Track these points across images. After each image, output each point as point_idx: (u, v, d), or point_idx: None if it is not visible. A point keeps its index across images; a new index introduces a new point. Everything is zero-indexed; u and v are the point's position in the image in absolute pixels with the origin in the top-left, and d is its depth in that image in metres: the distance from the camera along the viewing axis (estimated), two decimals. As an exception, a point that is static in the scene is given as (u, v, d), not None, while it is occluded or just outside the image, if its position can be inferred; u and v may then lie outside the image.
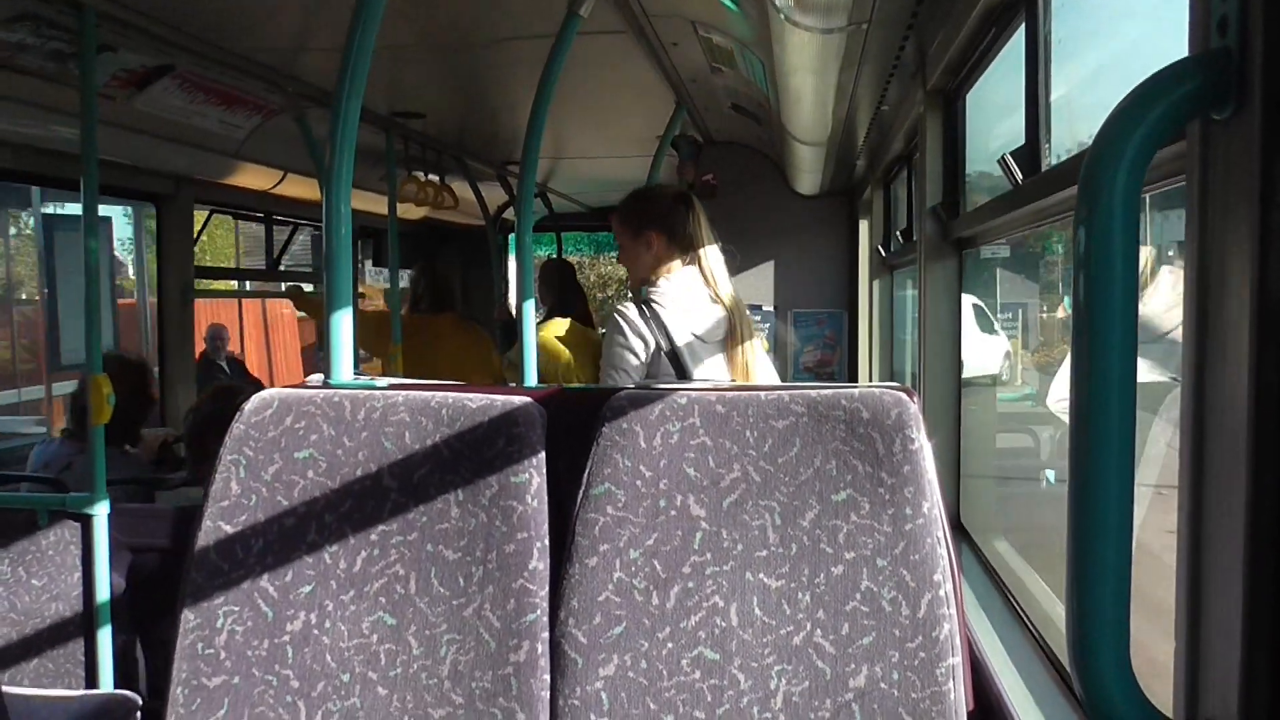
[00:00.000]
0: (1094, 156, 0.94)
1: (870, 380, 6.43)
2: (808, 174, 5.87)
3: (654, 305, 3.13)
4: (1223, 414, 0.92)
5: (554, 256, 9.96)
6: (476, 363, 5.59)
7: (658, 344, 3.08)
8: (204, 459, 3.55)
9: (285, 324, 14.70)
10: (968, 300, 3.29)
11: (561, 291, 7.05)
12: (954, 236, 3.13)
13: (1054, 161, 2.23)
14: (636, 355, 3.10)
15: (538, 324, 3.58)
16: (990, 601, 2.55)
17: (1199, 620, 0.97)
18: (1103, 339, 0.94)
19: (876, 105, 3.99)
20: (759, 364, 3.28)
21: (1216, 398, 0.93)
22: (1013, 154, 2.31)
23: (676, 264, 3.24)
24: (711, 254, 3.26)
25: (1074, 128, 2.33)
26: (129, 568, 3.34)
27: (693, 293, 3.21)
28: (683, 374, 3.09)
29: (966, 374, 3.23)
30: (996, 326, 7.30)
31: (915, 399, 1.76)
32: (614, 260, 16.29)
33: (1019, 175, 2.30)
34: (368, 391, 1.90)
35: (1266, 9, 0.84)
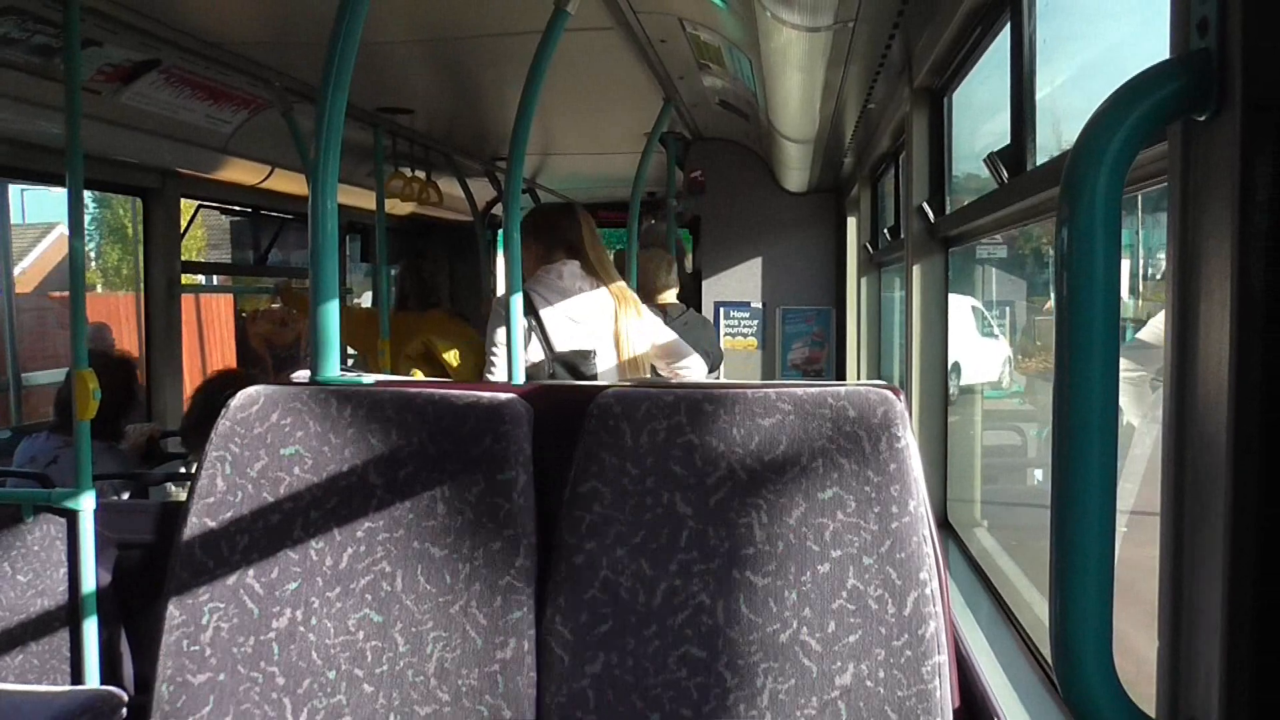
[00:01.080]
0: (1076, 157, 0.94)
1: (858, 377, 6.44)
2: (795, 171, 5.88)
3: (530, 294, 3.78)
4: (1204, 413, 0.92)
5: None
6: (462, 358, 5.57)
7: (527, 322, 3.73)
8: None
9: (221, 322, 13.69)
10: (966, 302, 3.32)
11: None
12: (940, 234, 3.14)
13: (1039, 161, 2.23)
14: (530, 334, 3.80)
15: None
16: (976, 599, 2.56)
17: (1180, 619, 0.98)
18: (1084, 337, 0.95)
19: (863, 103, 3.99)
20: (637, 335, 3.96)
21: (1198, 397, 0.94)
22: (998, 153, 2.32)
23: (559, 262, 3.89)
24: (595, 252, 3.94)
25: (1058, 128, 2.34)
26: (114, 563, 3.34)
27: (570, 281, 3.87)
28: (549, 345, 3.82)
29: (968, 380, 3.27)
30: (996, 330, 7.30)
31: (901, 397, 1.77)
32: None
33: (1004, 175, 2.30)
34: (354, 388, 1.89)
35: (1246, 10, 0.84)
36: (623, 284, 4.02)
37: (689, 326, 5.00)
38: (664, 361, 4.18)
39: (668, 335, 4.20)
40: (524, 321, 3.65)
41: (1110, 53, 2.59)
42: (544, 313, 3.80)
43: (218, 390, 3.88)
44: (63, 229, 15.74)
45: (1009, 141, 2.32)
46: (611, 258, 4.09)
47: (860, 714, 1.63)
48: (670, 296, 5.33)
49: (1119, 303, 0.96)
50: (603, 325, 3.90)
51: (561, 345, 3.82)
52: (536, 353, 3.78)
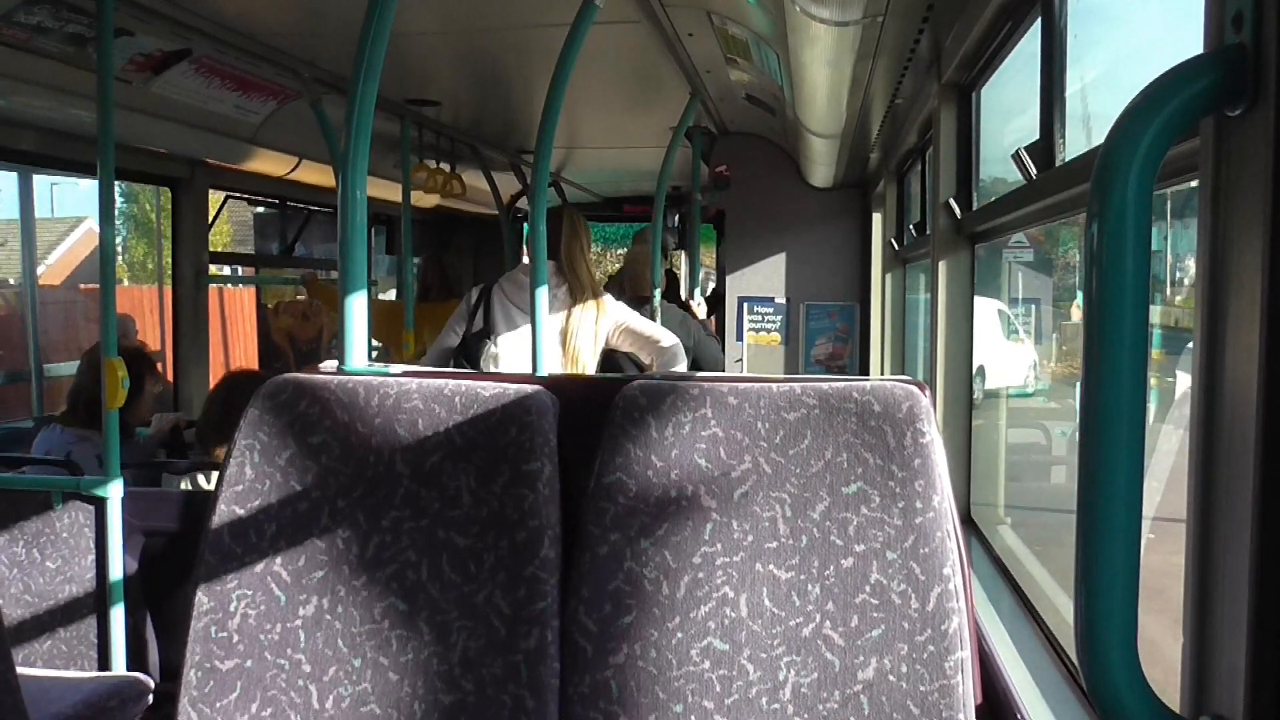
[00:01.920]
0: (1107, 152, 0.94)
1: (882, 374, 6.42)
2: (821, 166, 5.87)
3: (497, 286, 4.25)
4: (1233, 410, 0.92)
5: None
6: None
7: (473, 309, 4.22)
8: (222, 444, 3.61)
9: (244, 315, 12.75)
10: (992, 305, 3.32)
11: None
12: (967, 231, 3.13)
13: (1068, 157, 2.22)
14: (461, 318, 4.29)
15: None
16: (999, 596, 2.55)
17: (1206, 616, 0.98)
18: (1114, 334, 0.94)
19: (891, 98, 3.98)
20: (584, 335, 4.16)
21: (1227, 394, 0.94)
22: (1027, 149, 2.31)
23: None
24: (568, 253, 4.17)
25: (1088, 125, 2.33)
26: (141, 551, 3.37)
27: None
28: (491, 335, 4.26)
29: (993, 384, 3.27)
30: (1022, 333, 7.26)
31: (927, 393, 1.77)
32: (619, 256, 16.29)
33: (1033, 170, 2.29)
34: (381, 378, 1.91)
35: None
36: (591, 284, 4.24)
37: (665, 319, 5.19)
38: (643, 349, 4.40)
39: (645, 325, 4.40)
40: (471, 303, 4.19)
41: (1142, 50, 2.58)
42: (496, 305, 4.21)
43: (234, 390, 3.90)
44: (90, 223, 15.84)
45: (1038, 136, 2.31)
46: (588, 260, 4.31)
47: (883, 708, 1.63)
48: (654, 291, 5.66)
49: (1149, 299, 0.95)
50: (554, 322, 4.11)
51: (507, 337, 4.22)
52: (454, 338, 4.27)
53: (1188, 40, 1.04)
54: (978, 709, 1.66)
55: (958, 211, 3.16)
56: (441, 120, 6.09)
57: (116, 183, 3.44)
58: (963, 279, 3.18)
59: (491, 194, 7.54)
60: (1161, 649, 1.87)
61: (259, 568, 1.80)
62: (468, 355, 4.22)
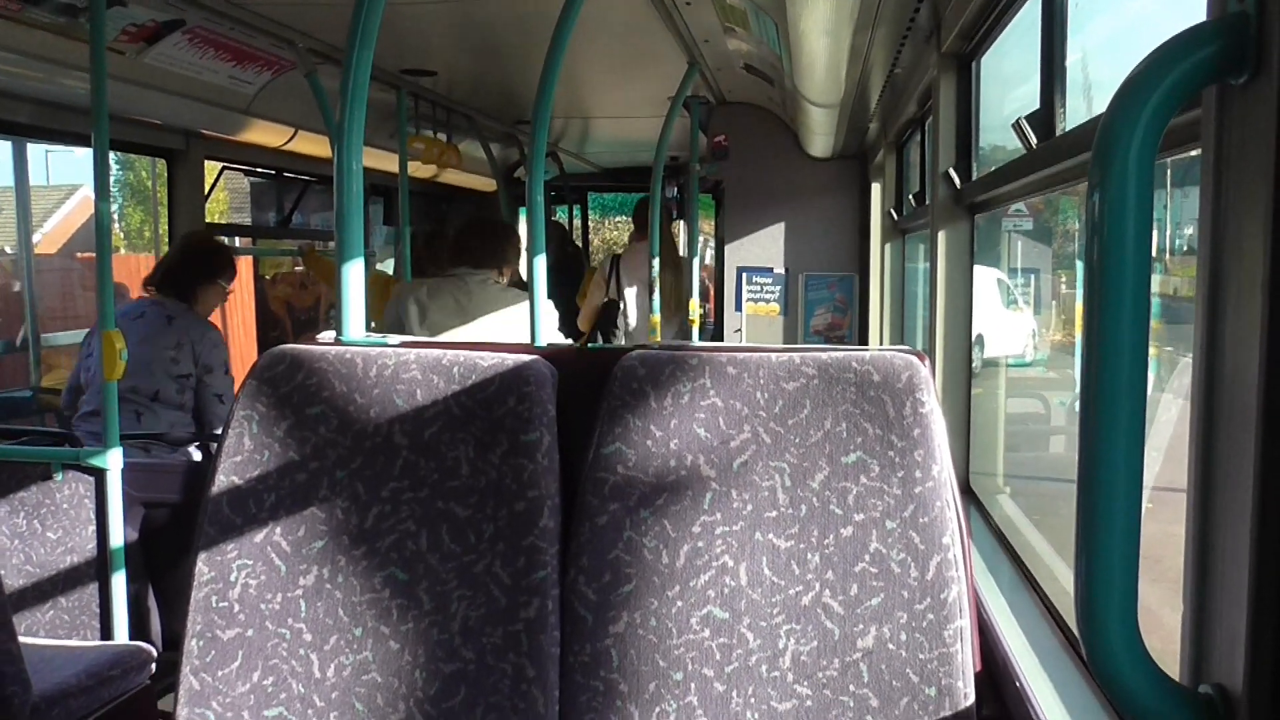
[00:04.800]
0: (1109, 121, 0.94)
1: (881, 344, 6.42)
2: (820, 136, 5.85)
3: (619, 257, 5.34)
4: (1234, 380, 0.92)
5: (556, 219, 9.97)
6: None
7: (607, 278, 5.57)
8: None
9: (241, 284, 13.07)
10: (991, 274, 3.31)
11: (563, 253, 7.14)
12: (967, 201, 3.12)
13: (1068, 126, 2.21)
14: (600, 285, 5.81)
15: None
16: (998, 565, 2.56)
17: (1206, 586, 0.98)
18: (1115, 304, 0.94)
19: (890, 68, 3.96)
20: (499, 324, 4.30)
21: (1228, 363, 0.94)
22: (1027, 118, 2.30)
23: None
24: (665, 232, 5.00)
25: (1089, 93, 2.32)
26: (141, 521, 3.38)
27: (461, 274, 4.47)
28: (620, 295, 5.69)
29: (992, 353, 3.26)
30: (1021, 302, 7.25)
31: (926, 362, 1.77)
32: (617, 224, 16.30)
33: (1033, 139, 2.28)
34: (379, 349, 1.90)
35: None
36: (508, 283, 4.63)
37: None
38: None
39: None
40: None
41: (1143, 18, 2.56)
42: (623, 274, 5.94)
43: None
44: (86, 190, 15.78)
45: (1038, 106, 2.30)
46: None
47: (882, 675, 1.64)
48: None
49: (1150, 269, 0.95)
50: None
51: (629, 301, 5.85)
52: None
53: (1190, 7, 1.04)
54: (976, 676, 1.66)
55: (957, 181, 3.15)
56: (438, 90, 6.06)
57: (111, 152, 3.43)
58: (962, 249, 3.18)
59: (489, 165, 7.51)
60: (1160, 617, 1.88)
61: (259, 538, 1.80)
62: (606, 316, 5.66)
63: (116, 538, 3.23)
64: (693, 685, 1.68)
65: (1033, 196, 2.85)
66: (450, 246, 4.66)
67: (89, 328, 4.26)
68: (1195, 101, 1.00)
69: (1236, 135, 0.92)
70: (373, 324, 6.09)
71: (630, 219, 7.20)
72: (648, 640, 1.70)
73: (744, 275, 6.87)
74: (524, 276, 4.44)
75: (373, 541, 1.79)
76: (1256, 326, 0.87)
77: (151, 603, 3.35)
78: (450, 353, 1.87)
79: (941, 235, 3.19)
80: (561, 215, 10.34)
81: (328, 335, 2.15)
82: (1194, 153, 1.15)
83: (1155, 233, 0.95)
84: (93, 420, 3.82)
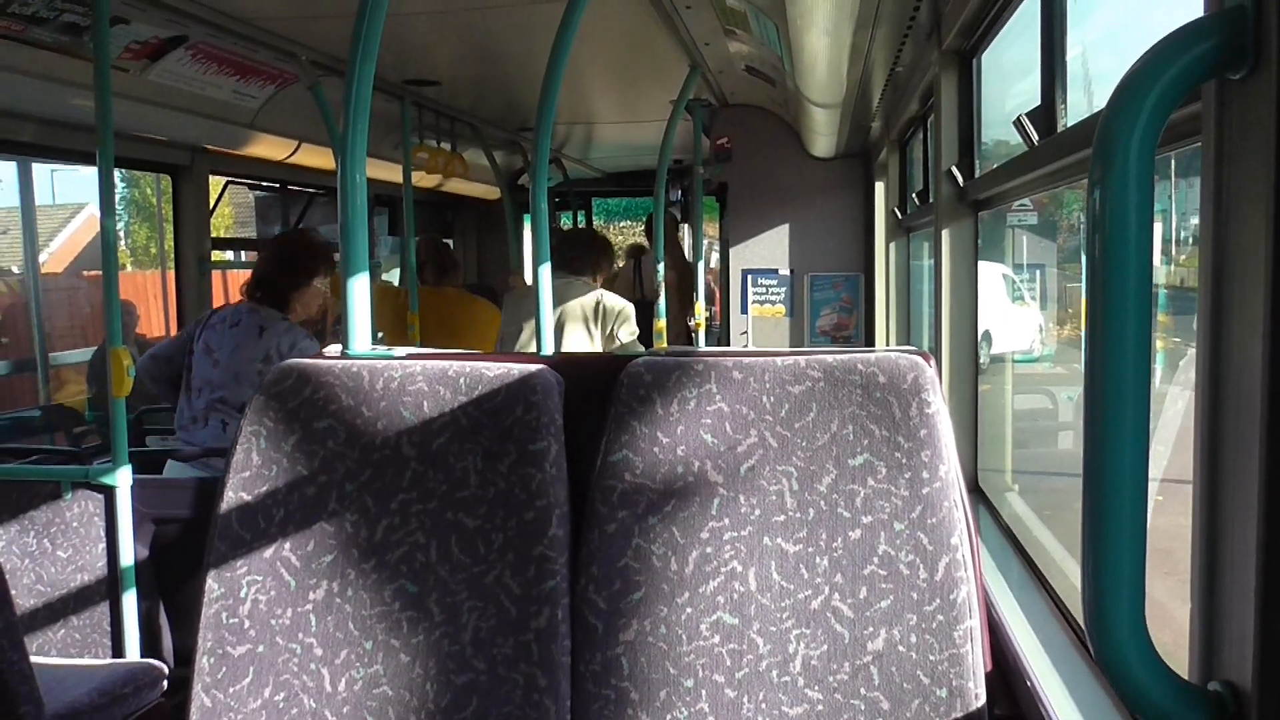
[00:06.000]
0: (1109, 116, 0.94)
1: (887, 344, 6.41)
2: (823, 136, 5.84)
3: None
4: (1238, 377, 0.92)
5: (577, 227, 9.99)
6: (480, 336, 5.51)
7: None
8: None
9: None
10: (997, 269, 3.30)
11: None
12: (970, 198, 3.12)
13: (1070, 122, 2.21)
14: None
15: None
16: (1007, 564, 2.56)
17: (1214, 583, 0.98)
18: (1118, 298, 0.94)
19: (891, 66, 3.96)
20: None
21: (1232, 361, 0.93)
22: (1028, 115, 2.30)
23: None
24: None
25: (1090, 87, 2.31)
26: (151, 538, 3.38)
27: None
28: None
29: (999, 349, 3.25)
30: (1027, 297, 7.25)
31: (932, 362, 1.76)
32: (623, 229, 16.33)
33: (1034, 136, 2.28)
34: (385, 362, 1.90)
35: None
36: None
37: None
38: None
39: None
40: None
41: (1142, 12, 2.56)
42: None
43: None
44: (92, 209, 15.82)
45: (1039, 102, 2.30)
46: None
47: (893, 678, 1.64)
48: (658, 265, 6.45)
49: (1152, 263, 0.95)
50: None
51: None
52: None
53: (1188, 2, 1.03)
54: (987, 677, 1.66)
55: (960, 179, 3.14)
56: (441, 100, 6.07)
57: (117, 169, 3.44)
58: (966, 247, 3.17)
59: (493, 172, 7.52)
60: (1170, 611, 1.87)
61: (268, 553, 1.80)
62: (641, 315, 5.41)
63: (127, 555, 3.23)
64: (704, 692, 1.68)
65: (1036, 193, 2.85)
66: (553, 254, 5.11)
67: (156, 337, 4.22)
68: (1195, 96, 1.00)
69: (1237, 130, 0.92)
70: (379, 334, 6.11)
71: (635, 223, 7.26)
72: (658, 648, 1.70)
73: (749, 277, 6.87)
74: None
75: (382, 554, 1.79)
76: (1259, 321, 0.86)
77: (163, 619, 3.35)
78: (456, 364, 1.87)
79: (945, 233, 3.18)
80: (566, 221, 10.35)
81: (334, 349, 2.15)
82: (1196, 145, 1.15)
83: (1161, 224, 0.95)
84: (192, 429, 3.80)
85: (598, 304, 5.14)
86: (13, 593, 2.97)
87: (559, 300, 4.94)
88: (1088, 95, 2.29)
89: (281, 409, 1.86)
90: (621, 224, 15.96)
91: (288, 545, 1.80)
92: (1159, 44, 0.92)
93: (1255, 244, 0.87)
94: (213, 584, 1.80)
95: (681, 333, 7.96)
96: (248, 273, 4.14)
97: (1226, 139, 0.94)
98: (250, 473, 1.83)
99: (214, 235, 5.55)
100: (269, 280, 3.99)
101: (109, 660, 3.19)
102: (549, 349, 3.42)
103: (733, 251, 6.94)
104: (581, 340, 5.10)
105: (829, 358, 1.77)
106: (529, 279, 4.83)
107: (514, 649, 1.72)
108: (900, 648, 1.64)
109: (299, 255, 4.08)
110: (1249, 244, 0.89)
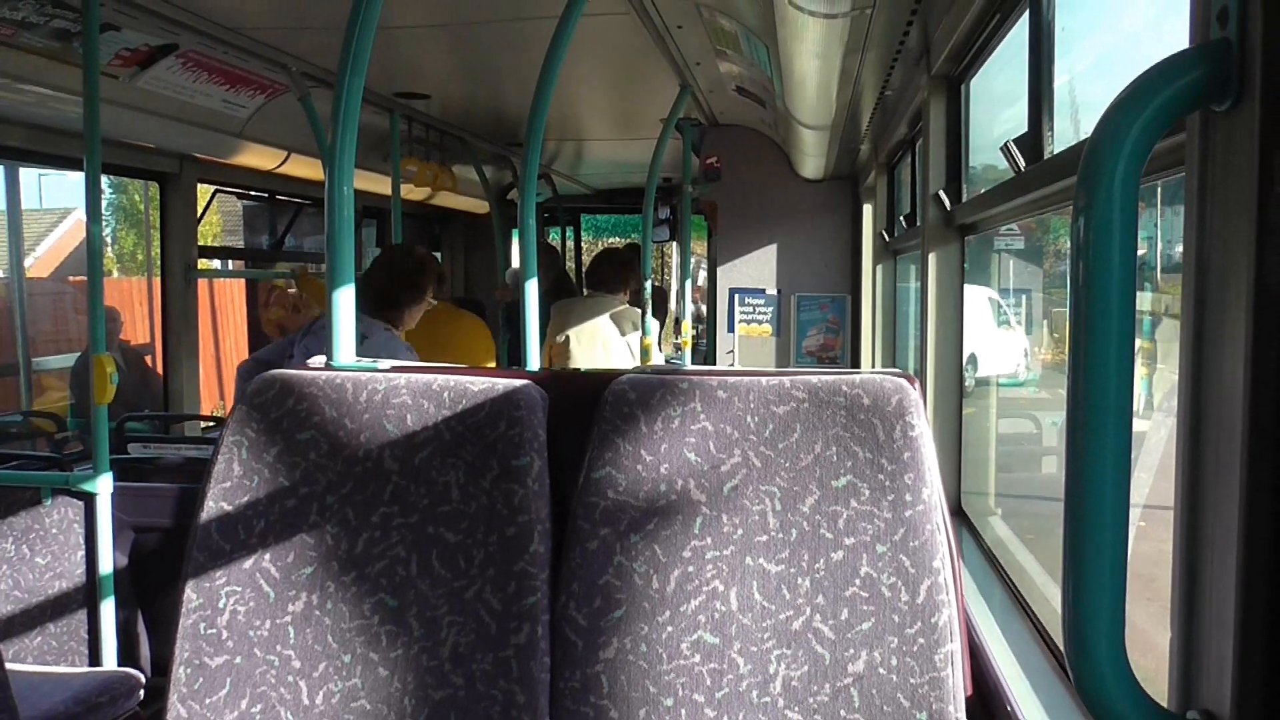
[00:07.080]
0: (1094, 145, 0.94)
1: (873, 365, 6.42)
2: (812, 158, 5.87)
3: None
4: (1220, 406, 0.92)
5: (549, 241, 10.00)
6: (466, 349, 5.49)
7: None
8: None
9: (235, 307, 12.52)
10: (983, 293, 3.32)
11: (556, 277, 7.17)
12: (957, 222, 3.13)
13: (1057, 149, 2.22)
14: None
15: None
16: (989, 588, 2.56)
17: (1194, 611, 0.98)
18: (1100, 326, 0.94)
19: (881, 90, 3.98)
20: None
21: (1213, 389, 0.94)
22: (1015, 141, 2.31)
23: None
24: None
25: (1076, 117, 2.33)
26: (131, 546, 3.36)
27: None
28: None
29: (984, 373, 3.26)
30: (1013, 321, 7.28)
31: (916, 385, 1.77)
32: (610, 246, 16.41)
33: (1021, 163, 2.29)
34: (369, 374, 1.90)
35: (1266, 1, 0.84)
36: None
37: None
38: None
39: None
40: None
41: (1128, 43, 2.58)
42: None
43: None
44: (79, 213, 15.77)
45: (1026, 129, 2.31)
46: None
47: (873, 700, 1.63)
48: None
49: (1135, 291, 0.95)
50: None
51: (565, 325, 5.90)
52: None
53: (1175, 33, 1.04)
54: (968, 701, 1.66)
55: (947, 203, 3.16)
56: (431, 113, 6.07)
57: (105, 176, 3.43)
58: (953, 270, 3.19)
59: (482, 187, 7.53)
60: (1151, 637, 1.87)
61: (248, 564, 1.79)
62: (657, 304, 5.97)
63: (106, 563, 3.21)
64: (683, 711, 1.67)
65: (1022, 219, 2.86)
66: (587, 273, 6.18)
67: (141, 344, 4.19)
68: (1179, 126, 1.00)
69: (1220, 161, 0.93)
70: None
71: (623, 240, 7.33)
72: (638, 666, 1.69)
73: (736, 296, 6.88)
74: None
75: (362, 567, 1.78)
76: (1240, 350, 0.87)
77: (141, 628, 3.33)
78: (440, 378, 1.87)
79: (932, 256, 3.20)
80: (554, 237, 10.36)
81: (318, 360, 2.14)
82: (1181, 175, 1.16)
83: (1148, 250, 0.95)
84: None
85: (626, 312, 6.04)
86: (-11, 600, 2.95)
87: (595, 314, 5.98)
88: (1074, 123, 2.31)
89: (264, 419, 1.85)
90: (610, 240, 16.00)
91: (267, 556, 1.80)
92: (1144, 74, 0.93)
93: (1237, 273, 0.88)
94: (191, 594, 1.79)
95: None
96: (235, 281, 4.13)
97: (1210, 170, 0.95)
98: (231, 483, 1.83)
99: (201, 244, 5.54)
100: (387, 293, 4.03)
101: (86, 669, 3.17)
102: (535, 364, 3.42)
103: (720, 270, 6.95)
104: (622, 354, 5.92)
105: (814, 378, 1.77)
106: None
107: (493, 665, 1.72)
108: (881, 670, 1.64)
109: (414, 275, 4.13)
110: (1231, 273, 0.89)
